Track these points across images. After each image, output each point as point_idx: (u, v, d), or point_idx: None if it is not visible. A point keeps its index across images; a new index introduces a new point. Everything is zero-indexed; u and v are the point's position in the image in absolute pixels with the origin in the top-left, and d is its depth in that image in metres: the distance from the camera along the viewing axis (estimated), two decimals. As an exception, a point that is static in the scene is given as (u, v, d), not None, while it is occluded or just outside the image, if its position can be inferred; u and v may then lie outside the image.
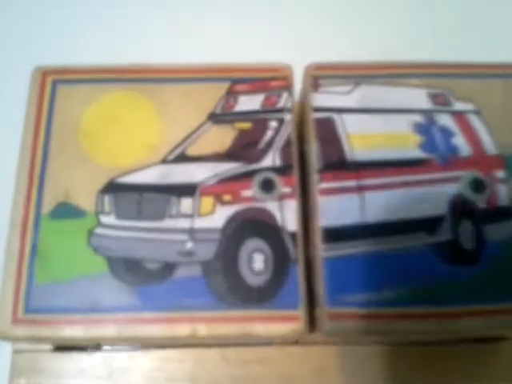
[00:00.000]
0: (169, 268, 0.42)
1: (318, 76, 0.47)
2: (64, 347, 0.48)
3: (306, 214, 0.44)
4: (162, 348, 0.47)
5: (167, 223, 0.43)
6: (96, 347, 0.45)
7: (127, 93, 0.47)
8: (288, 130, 0.46)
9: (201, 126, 0.46)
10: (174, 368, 0.48)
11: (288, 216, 0.43)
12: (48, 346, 0.49)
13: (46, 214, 0.43)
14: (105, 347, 0.46)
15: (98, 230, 0.43)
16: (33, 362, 0.48)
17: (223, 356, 0.48)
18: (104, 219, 0.43)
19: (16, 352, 0.48)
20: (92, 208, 0.43)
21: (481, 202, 0.43)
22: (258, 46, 0.64)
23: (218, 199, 0.43)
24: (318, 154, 0.45)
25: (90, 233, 0.43)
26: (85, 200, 0.44)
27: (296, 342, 0.47)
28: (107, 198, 0.43)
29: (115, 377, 0.49)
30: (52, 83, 0.46)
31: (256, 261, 0.42)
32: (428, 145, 0.45)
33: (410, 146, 0.45)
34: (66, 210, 0.43)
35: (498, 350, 0.48)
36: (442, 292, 0.40)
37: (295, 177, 0.44)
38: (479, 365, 0.48)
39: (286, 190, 0.44)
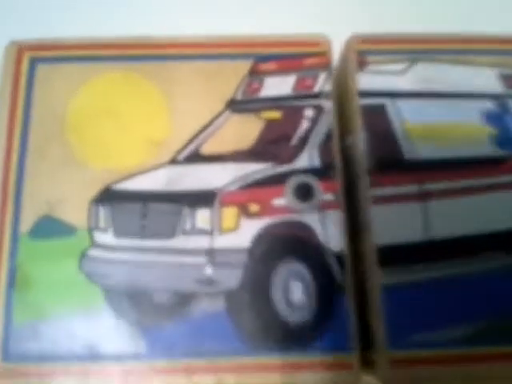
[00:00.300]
0: (184, 301, 0.35)
1: (364, 51, 0.40)
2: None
3: (355, 227, 0.38)
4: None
5: (179, 242, 0.36)
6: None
7: (125, 74, 0.40)
8: (328, 121, 0.39)
9: (218, 116, 0.40)
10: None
11: (331, 231, 0.37)
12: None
13: (24, 232, 0.37)
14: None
15: (92, 252, 0.36)
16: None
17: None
18: (99, 237, 0.37)
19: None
20: (83, 223, 0.37)
21: None
22: (286, 15, 0.54)
23: (243, 210, 0.37)
24: (368, 150, 0.38)
25: (82, 255, 0.36)
26: (74, 213, 0.37)
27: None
28: (103, 210, 0.37)
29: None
30: (30, 62, 0.40)
31: (294, 290, 0.36)
32: (503, 139, 0.39)
33: (482, 141, 0.38)
34: (50, 227, 0.37)
35: None
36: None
37: (339, 180, 0.38)
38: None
39: (328, 197, 0.38)
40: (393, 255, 0.36)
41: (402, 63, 0.40)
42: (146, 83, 0.40)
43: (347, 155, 0.40)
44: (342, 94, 0.42)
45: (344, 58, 0.41)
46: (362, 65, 0.40)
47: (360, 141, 0.38)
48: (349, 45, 0.41)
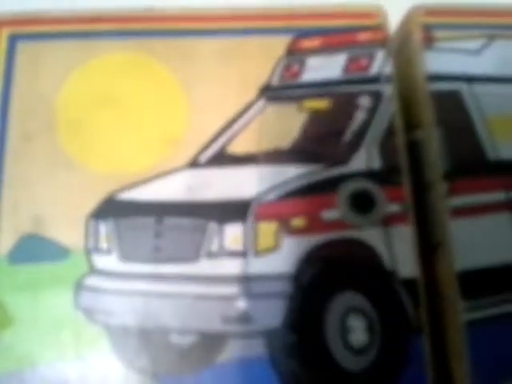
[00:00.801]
0: (210, 343, 0.30)
1: (430, 25, 0.35)
2: None
3: (427, 247, 0.33)
4: None
5: (204, 267, 0.31)
6: None
7: (129, 54, 0.35)
8: (389, 111, 0.34)
9: (249, 106, 0.34)
10: None
11: (399, 252, 0.31)
12: None
13: (3, 255, 0.32)
14: None
15: (92, 281, 0.31)
16: None
17: None
18: (100, 262, 0.32)
19: None
20: (79, 243, 0.32)
21: None
22: None
23: (285, 226, 0.31)
24: (443, 149, 0.33)
25: (78, 285, 0.31)
26: (67, 230, 0.32)
27: None
28: (105, 227, 0.32)
29: None
30: (9, 39, 0.35)
31: (354, 329, 0.30)
32: None
33: None
34: (35, 248, 0.32)
35: None
36: None
37: (407, 186, 0.32)
38: None
39: (393, 208, 0.32)
40: (478, 282, 0.31)
41: (477, 41, 0.35)
42: (156, 65, 0.35)
43: (415, 155, 0.35)
44: (403, 77, 0.37)
45: (404, 34, 0.37)
46: (428, 41, 0.35)
47: (432, 137, 0.33)
48: (410, 17, 0.36)
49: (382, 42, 0.36)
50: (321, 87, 0.35)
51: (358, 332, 0.31)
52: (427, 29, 0.36)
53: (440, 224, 0.33)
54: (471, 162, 0.33)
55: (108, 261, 0.32)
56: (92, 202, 0.33)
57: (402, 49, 0.38)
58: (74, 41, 0.35)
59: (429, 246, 0.34)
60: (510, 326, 0.31)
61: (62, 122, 0.35)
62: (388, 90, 0.35)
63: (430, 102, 0.34)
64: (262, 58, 0.35)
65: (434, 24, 0.36)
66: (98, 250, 0.32)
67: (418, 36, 0.35)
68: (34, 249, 0.32)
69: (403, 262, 0.32)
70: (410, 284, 0.31)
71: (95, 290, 0.31)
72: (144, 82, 0.35)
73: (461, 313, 0.31)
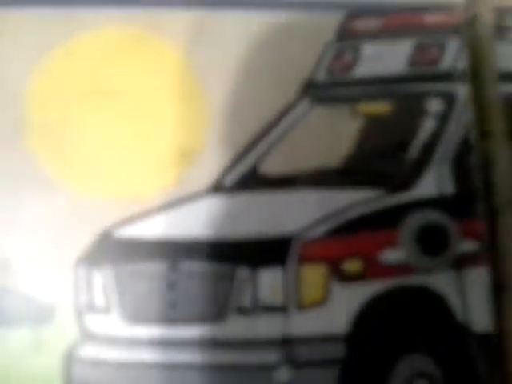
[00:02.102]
0: None
1: (505, 10, 0.30)
2: None
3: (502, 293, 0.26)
4: None
5: (234, 327, 0.26)
6: None
7: (127, 30, 0.29)
8: (464, 118, 0.28)
9: (288, 108, 0.29)
10: None
11: (475, 301, 0.27)
12: None
13: None
14: None
15: (86, 350, 0.26)
16: None
17: None
18: (97, 324, 0.27)
19: None
20: (66, 298, 0.27)
21: None
22: None
23: (336, 270, 0.26)
24: None
25: (69, 357, 0.25)
26: (49, 280, 0.26)
27: None
28: (100, 276, 0.26)
29: None
30: None
31: None
32: None
33: None
34: (6, 306, 0.25)
35: None
36: None
37: (482, 218, 0.25)
38: None
39: (469, 246, 0.28)
40: None
41: None
42: (163, 46, 0.29)
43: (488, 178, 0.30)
44: (477, 73, 0.30)
45: (472, 21, 0.31)
46: (500, 31, 0.30)
47: (503, 151, 0.27)
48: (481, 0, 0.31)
49: (455, 28, 0.28)
50: (380, 85, 0.29)
51: None
52: (500, 14, 0.30)
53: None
54: None
55: (107, 322, 0.26)
56: (81, 239, 0.27)
57: (467, 37, 0.32)
58: (50, 10, 0.28)
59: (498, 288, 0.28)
60: None
61: (33, 123, 0.28)
62: (463, 90, 0.28)
63: (499, 107, 0.27)
64: (304, 44, 0.29)
65: (509, 8, 0.31)
66: (92, 307, 0.26)
67: (488, 24, 0.28)
68: (4, 307, 0.25)
69: (480, 313, 0.26)
70: (486, 340, 0.26)
71: (91, 361, 0.26)
72: (146, 69, 0.29)
73: None
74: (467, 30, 0.32)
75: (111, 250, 0.27)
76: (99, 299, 0.27)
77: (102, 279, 0.27)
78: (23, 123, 0.28)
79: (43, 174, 0.28)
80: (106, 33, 0.29)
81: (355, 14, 0.30)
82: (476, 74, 0.30)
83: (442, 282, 0.27)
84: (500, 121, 0.27)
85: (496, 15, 0.28)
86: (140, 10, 0.30)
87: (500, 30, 0.29)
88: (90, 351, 0.26)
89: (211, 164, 0.29)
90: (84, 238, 0.27)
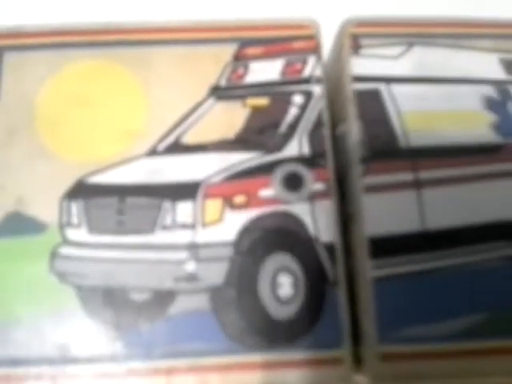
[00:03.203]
0: (164, 299, 0.33)
1: (359, 35, 0.39)
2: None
3: (346, 218, 0.37)
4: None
5: (159, 237, 0.35)
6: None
7: (98, 62, 0.39)
8: (318, 107, 0.38)
9: (200, 103, 0.38)
10: None
11: (322, 222, 0.35)
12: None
13: None
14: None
15: (65, 250, 0.35)
16: None
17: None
18: (72, 234, 0.35)
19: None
20: (54, 219, 0.35)
21: None
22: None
23: (228, 202, 0.35)
24: (361, 137, 0.36)
25: (54, 254, 0.34)
26: (44, 208, 0.35)
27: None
28: (75, 205, 0.36)
29: None
30: None
31: (282, 285, 0.34)
32: (503, 126, 0.37)
33: (481, 128, 0.37)
34: (19, 224, 0.35)
35: None
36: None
37: (330, 169, 0.36)
38: None
39: (318, 186, 0.36)
40: (384, 246, 0.34)
41: (399, 47, 0.39)
42: (121, 71, 0.38)
43: (339, 144, 0.38)
44: (335, 80, 0.40)
45: (338, 43, 0.40)
46: (355, 49, 0.39)
47: (353, 129, 0.37)
48: (343, 28, 0.39)
49: (314, 50, 0.39)
50: (261, 87, 0.38)
51: (286, 287, 0.34)
52: (355, 38, 0.38)
53: (355, 199, 0.36)
54: (385, 149, 0.36)
55: (78, 234, 0.35)
56: (66, 186, 0.36)
57: (335, 55, 0.41)
58: (50, 51, 0.38)
59: (346, 217, 0.38)
60: (411, 281, 0.34)
61: (42, 118, 0.37)
62: (318, 89, 0.38)
63: (352, 99, 0.37)
64: (212, 64, 0.38)
65: (361, 34, 0.39)
66: (70, 225, 0.35)
67: (347, 44, 0.38)
68: (17, 224, 0.35)
69: (325, 230, 0.35)
70: (330, 248, 0.35)
71: (68, 257, 0.34)
72: (110, 84, 0.38)
73: (368, 271, 0.34)
74: (335, 50, 0.39)
75: (83, 190, 0.36)
76: (74, 219, 0.35)
77: (76, 207, 0.35)
78: (34, 119, 0.37)
79: (45, 149, 0.37)
80: (84, 64, 0.38)
81: (245, 44, 0.39)
82: (338, 78, 0.38)
83: (300, 209, 0.35)
84: (351, 108, 0.36)
85: (353, 39, 0.38)
86: (105, 50, 0.39)
87: (355, 48, 0.38)
88: (67, 251, 0.35)
89: (149, 139, 0.37)
90: (67, 185, 0.36)
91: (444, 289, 0.34)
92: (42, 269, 0.34)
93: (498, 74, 0.40)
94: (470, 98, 0.38)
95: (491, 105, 0.39)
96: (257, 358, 0.32)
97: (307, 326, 0.33)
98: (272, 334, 0.33)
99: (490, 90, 0.38)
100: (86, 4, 0.51)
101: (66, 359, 0.33)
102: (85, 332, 0.33)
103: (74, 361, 0.33)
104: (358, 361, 0.33)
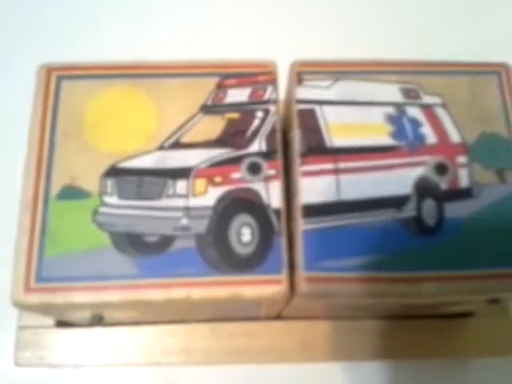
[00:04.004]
0: (166, 241, 0.46)
1: (302, 72, 0.51)
2: (66, 323, 0.53)
3: (289, 193, 0.49)
4: (156, 324, 0.53)
5: (164, 202, 0.47)
6: (98, 321, 0.48)
7: (126, 87, 0.51)
8: (273, 120, 0.50)
9: (194, 116, 0.51)
10: (168, 342, 0.55)
11: (272, 195, 0.48)
12: (51, 322, 0.53)
13: (54, 195, 0.47)
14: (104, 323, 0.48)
15: (102, 209, 0.47)
16: (36, 337, 0.53)
17: (213, 330, 0.55)
18: (107, 199, 0.47)
19: (20, 328, 0.53)
20: (96, 190, 0.48)
21: (443, 183, 0.48)
22: (248, 44, 0.68)
23: (210, 181, 0.48)
24: (301, 140, 0.49)
25: (95, 212, 0.47)
26: (89, 183, 0.48)
27: (279, 317, 0.51)
28: (109, 181, 0.48)
29: (114, 351, 0.55)
30: (56, 79, 0.50)
31: (244, 234, 0.47)
32: (398, 134, 0.50)
33: (382, 135, 0.50)
34: (72, 192, 0.47)
35: (466, 326, 0.55)
36: (406, 260, 0.45)
37: (279, 161, 0.49)
38: (448, 339, 0.55)
39: (271, 172, 0.49)
40: (313, 210, 0.47)
41: (329, 80, 0.51)
42: (141, 93, 0.51)
43: (288, 144, 0.51)
44: (287, 101, 0.53)
45: (289, 76, 0.52)
46: (300, 81, 0.51)
47: (296, 134, 0.49)
48: (292, 67, 0.52)
49: (272, 81, 0.51)
50: (235, 106, 0.51)
51: (247, 235, 0.47)
52: (300, 74, 0.51)
53: (296, 181, 0.48)
54: (316, 148, 0.49)
55: (111, 199, 0.48)
56: (103, 169, 0.48)
57: (288, 85, 0.53)
58: (94, 80, 0.51)
59: (290, 193, 0.49)
60: (331, 231, 0.47)
61: (87, 125, 0.50)
62: (273, 108, 0.51)
63: (296, 115, 0.50)
64: (202, 90, 0.52)
65: (304, 71, 0.51)
66: (106, 193, 0.48)
67: (294, 78, 0.51)
68: (70, 193, 0.47)
69: (275, 200, 0.48)
70: (277, 211, 0.47)
71: (104, 214, 0.47)
72: (134, 102, 0.51)
73: (301, 225, 0.47)
74: (288, 82, 0.51)
75: (115, 171, 0.48)
76: (108, 190, 0.47)
77: (110, 182, 0.47)
78: (81, 126, 0.50)
79: (90, 145, 0.49)
80: (117, 88, 0.50)
81: (225, 77, 0.51)
82: (289, 101, 0.49)
83: (258, 186, 0.47)
84: (296, 120, 0.48)
85: (298, 74, 0.49)
86: (130, 79, 0.51)
87: (299, 81, 0.50)
88: (104, 210, 0.47)
89: (159, 139, 0.50)
90: (104, 168, 0.48)
91: (352, 237, 0.46)
92: (86, 221, 0.46)
93: (397, 98, 0.51)
94: (376, 114, 0.50)
95: (391, 119, 0.50)
96: (226, 278, 0.44)
97: (260, 259, 0.45)
98: (237, 263, 0.45)
99: (390, 109, 0.50)
100: (118, 47, 0.72)
101: (99, 278, 0.44)
102: (114, 261, 0.44)
103: (106, 279, 0.45)
104: (292, 282, 0.45)
